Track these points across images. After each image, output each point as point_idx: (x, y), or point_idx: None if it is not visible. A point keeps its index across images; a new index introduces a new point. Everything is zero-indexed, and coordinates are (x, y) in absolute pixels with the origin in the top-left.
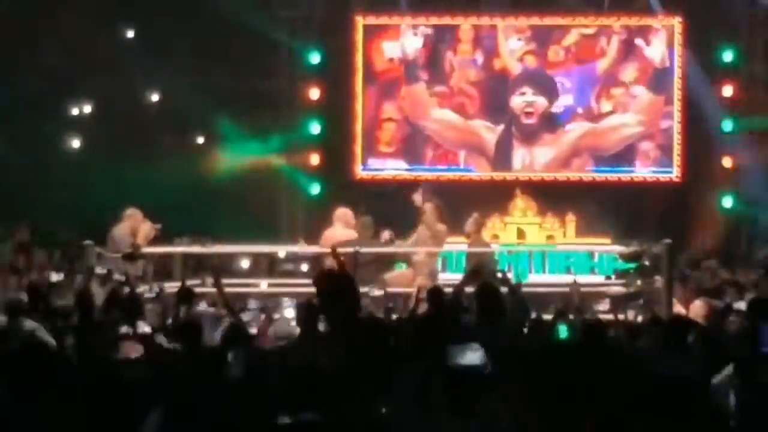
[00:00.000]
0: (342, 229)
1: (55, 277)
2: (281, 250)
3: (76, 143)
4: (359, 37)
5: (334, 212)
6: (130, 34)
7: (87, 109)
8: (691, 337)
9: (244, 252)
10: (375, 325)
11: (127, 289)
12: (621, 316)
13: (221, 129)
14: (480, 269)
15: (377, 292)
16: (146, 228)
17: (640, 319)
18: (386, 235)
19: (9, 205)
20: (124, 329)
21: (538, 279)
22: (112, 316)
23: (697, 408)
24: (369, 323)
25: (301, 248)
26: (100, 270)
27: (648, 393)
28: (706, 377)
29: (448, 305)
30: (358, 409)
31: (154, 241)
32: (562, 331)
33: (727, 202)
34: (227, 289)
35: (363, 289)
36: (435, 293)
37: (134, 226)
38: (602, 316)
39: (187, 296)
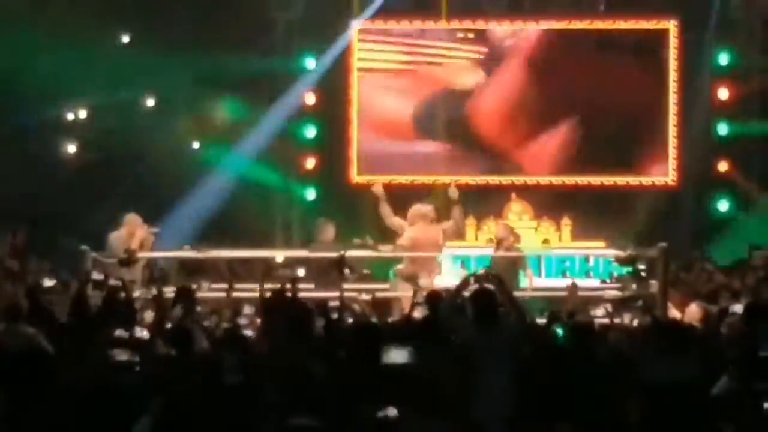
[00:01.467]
0: (427, 226)
1: (51, 282)
2: (278, 255)
3: (71, 148)
4: (355, 41)
5: (411, 211)
6: (126, 39)
7: (82, 114)
8: (686, 341)
9: (240, 257)
10: (369, 329)
11: (123, 294)
12: (617, 320)
13: (217, 134)
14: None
15: (366, 296)
16: (143, 233)
17: (636, 323)
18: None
19: (4, 210)
20: (119, 333)
21: (533, 283)
22: (108, 320)
23: (693, 411)
24: (363, 327)
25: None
26: (97, 275)
27: (644, 396)
28: (702, 381)
29: (444, 309)
30: (353, 414)
31: (151, 246)
32: (559, 334)
33: (723, 205)
34: (220, 294)
35: (352, 294)
36: (434, 297)
37: (132, 231)
38: (598, 320)
39: (185, 296)
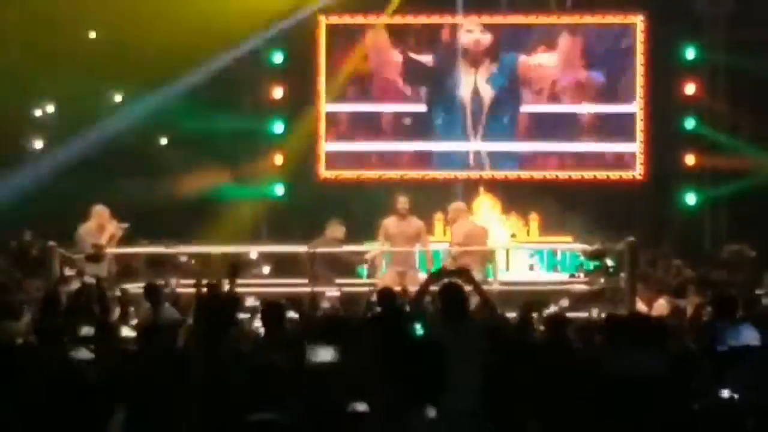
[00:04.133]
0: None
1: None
2: (253, 251)
3: (38, 144)
4: (322, 36)
5: (453, 209)
6: (93, 35)
7: (50, 109)
8: (654, 336)
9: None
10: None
11: (95, 290)
12: (584, 314)
13: (184, 129)
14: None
15: (334, 293)
16: (112, 228)
17: (603, 316)
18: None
19: None
20: (87, 330)
21: (501, 277)
22: (76, 316)
23: (657, 405)
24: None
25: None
26: (69, 271)
27: (609, 390)
28: (667, 375)
29: (409, 305)
30: (321, 407)
31: (120, 241)
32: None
33: (690, 199)
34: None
35: (320, 289)
36: (384, 294)
37: (101, 224)
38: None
39: (154, 294)
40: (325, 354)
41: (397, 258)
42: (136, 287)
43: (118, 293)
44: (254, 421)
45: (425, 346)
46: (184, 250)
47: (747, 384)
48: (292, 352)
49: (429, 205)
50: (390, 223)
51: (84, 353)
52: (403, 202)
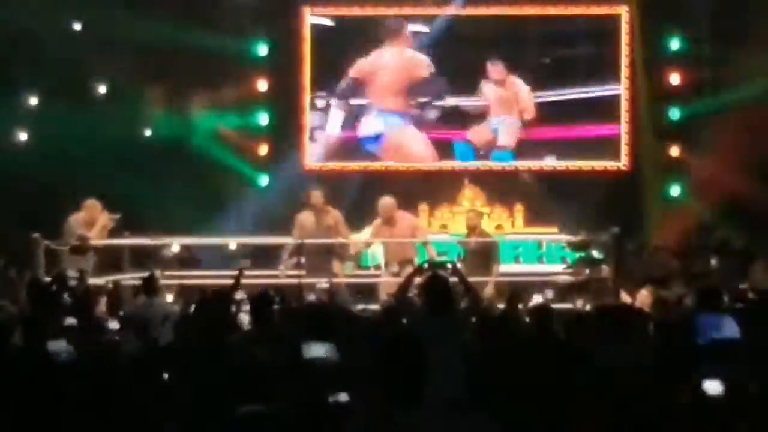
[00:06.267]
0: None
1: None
2: (232, 242)
3: (23, 136)
4: (307, 27)
5: (386, 207)
6: (77, 26)
7: (33, 101)
8: (637, 327)
9: (195, 244)
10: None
11: (78, 282)
12: (569, 305)
13: (169, 121)
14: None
15: (323, 284)
16: (104, 219)
17: (588, 308)
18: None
19: None
20: (71, 321)
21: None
22: (58, 308)
23: (638, 397)
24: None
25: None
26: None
27: (595, 383)
28: (652, 367)
29: (394, 299)
30: (305, 401)
31: (112, 232)
32: None
33: (675, 190)
34: (172, 282)
35: (311, 281)
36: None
37: (92, 217)
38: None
39: (151, 286)
40: (319, 349)
41: (310, 251)
42: (120, 279)
43: (110, 285)
44: (243, 414)
45: (408, 339)
46: (168, 242)
47: (728, 376)
48: (280, 346)
49: (412, 196)
50: (304, 217)
51: (62, 345)
52: (316, 196)
